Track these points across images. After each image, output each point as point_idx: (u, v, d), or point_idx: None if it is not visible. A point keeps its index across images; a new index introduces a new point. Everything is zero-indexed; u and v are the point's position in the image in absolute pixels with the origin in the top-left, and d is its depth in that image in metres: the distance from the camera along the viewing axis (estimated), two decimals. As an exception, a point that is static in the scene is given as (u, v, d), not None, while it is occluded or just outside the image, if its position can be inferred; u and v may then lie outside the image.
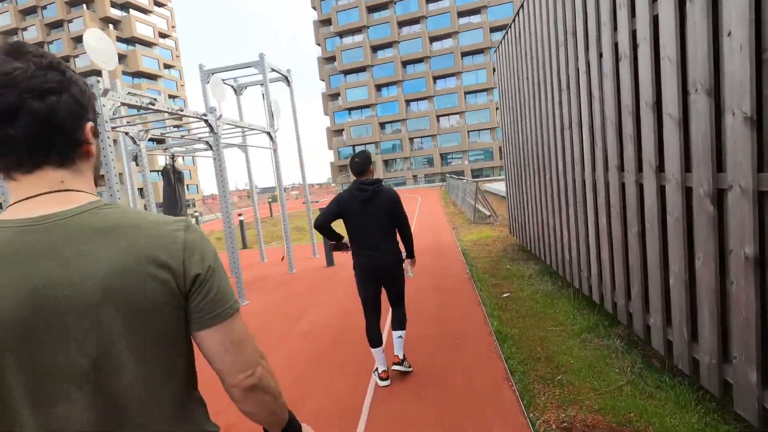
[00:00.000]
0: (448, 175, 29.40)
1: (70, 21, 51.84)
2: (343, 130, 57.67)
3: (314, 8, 57.74)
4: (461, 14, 52.73)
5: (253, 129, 6.65)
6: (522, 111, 5.63)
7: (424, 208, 17.77)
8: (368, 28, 54.79)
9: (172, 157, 6.93)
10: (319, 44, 58.25)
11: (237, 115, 8.49)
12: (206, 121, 5.22)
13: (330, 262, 7.75)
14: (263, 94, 7.29)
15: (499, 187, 21.69)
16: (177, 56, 59.94)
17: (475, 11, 52.48)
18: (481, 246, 7.96)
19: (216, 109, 5.40)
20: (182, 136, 6.77)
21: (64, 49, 52.22)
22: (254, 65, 7.09)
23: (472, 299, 4.80)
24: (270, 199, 20.87)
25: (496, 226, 10.41)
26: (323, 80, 58.57)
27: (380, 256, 2.90)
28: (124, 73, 52.45)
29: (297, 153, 8.55)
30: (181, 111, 4.59)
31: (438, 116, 54.59)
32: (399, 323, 3.10)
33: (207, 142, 7.39)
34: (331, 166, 59.89)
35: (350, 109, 57.13)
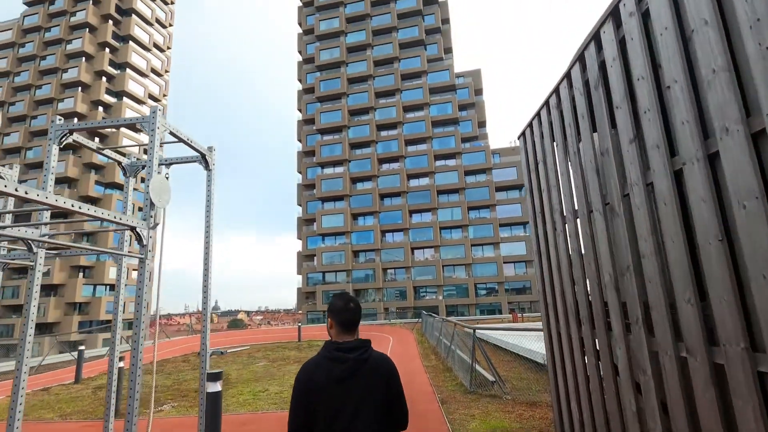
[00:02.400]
0: (424, 312, 25.91)
1: (65, 70, 53.26)
2: (314, 255, 55.24)
3: (300, 141, 60.93)
4: (437, 157, 56.22)
5: (99, 219, 3.53)
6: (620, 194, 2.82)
7: (396, 359, 13.89)
8: (349, 161, 57.19)
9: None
10: (300, 172, 59.74)
11: (127, 206, 5.51)
12: None
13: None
14: (152, 170, 4.43)
15: (484, 331, 18.16)
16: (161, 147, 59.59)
17: (451, 156, 56.19)
18: (504, 460, 4.36)
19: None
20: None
21: (52, 93, 52.28)
22: (140, 123, 4.39)
23: None
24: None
25: (508, 403, 6.83)
26: (300, 205, 58.36)
27: None
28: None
29: (203, 270, 5.34)
30: None
31: (413, 248, 53.51)
32: None
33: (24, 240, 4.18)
34: (298, 292, 55.58)
35: (324, 235, 55.74)
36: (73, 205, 3.26)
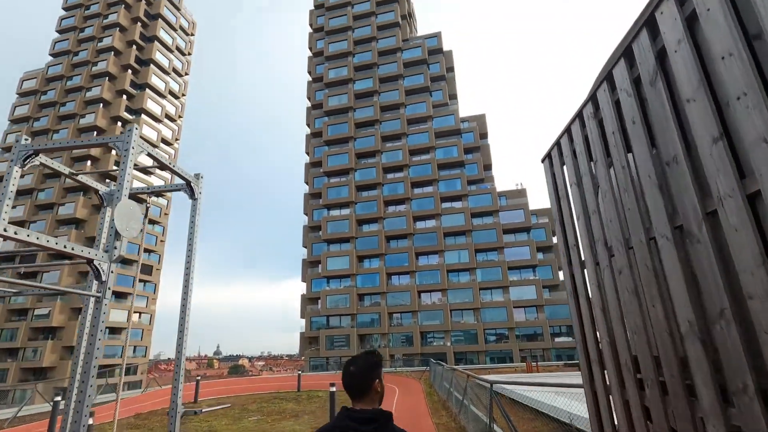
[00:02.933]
0: (432, 360, 24.37)
1: (82, 116, 55.73)
2: (318, 298, 53.77)
3: (306, 183, 61.41)
4: (444, 199, 56.02)
5: (36, 248, 2.92)
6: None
7: (402, 415, 12.60)
8: (356, 203, 57.13)
9: None
10: (306, 214, 59.67)
11: (102, 237, 4.93)
12: None
13: None
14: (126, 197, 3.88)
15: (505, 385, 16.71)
16: (166, 214, 60.05)
17: (457, 198, 55.97)
18: None
19: None
20: None
21: (68, 136, 55.03)
22: (113, 143, 3.90)
23: None
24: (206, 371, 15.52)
25: (537, 476, 5.78)
26: (305, 247, 57.72)
27: None
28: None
29: (180, 310, 4.64)
30: None
31: (419, 292, 51.94)
32: None
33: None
34: (301, 336, 53.54)
35: (329, 278, 54.56)
36: (5, 229, 2.66)
